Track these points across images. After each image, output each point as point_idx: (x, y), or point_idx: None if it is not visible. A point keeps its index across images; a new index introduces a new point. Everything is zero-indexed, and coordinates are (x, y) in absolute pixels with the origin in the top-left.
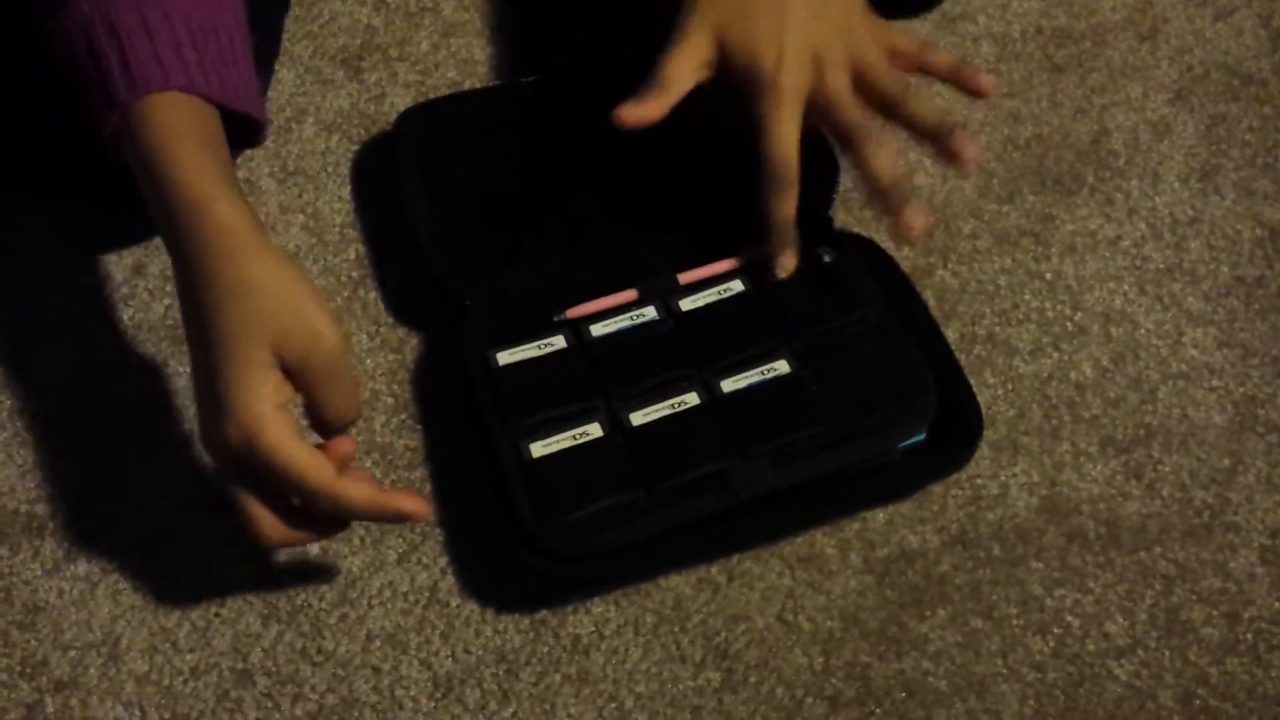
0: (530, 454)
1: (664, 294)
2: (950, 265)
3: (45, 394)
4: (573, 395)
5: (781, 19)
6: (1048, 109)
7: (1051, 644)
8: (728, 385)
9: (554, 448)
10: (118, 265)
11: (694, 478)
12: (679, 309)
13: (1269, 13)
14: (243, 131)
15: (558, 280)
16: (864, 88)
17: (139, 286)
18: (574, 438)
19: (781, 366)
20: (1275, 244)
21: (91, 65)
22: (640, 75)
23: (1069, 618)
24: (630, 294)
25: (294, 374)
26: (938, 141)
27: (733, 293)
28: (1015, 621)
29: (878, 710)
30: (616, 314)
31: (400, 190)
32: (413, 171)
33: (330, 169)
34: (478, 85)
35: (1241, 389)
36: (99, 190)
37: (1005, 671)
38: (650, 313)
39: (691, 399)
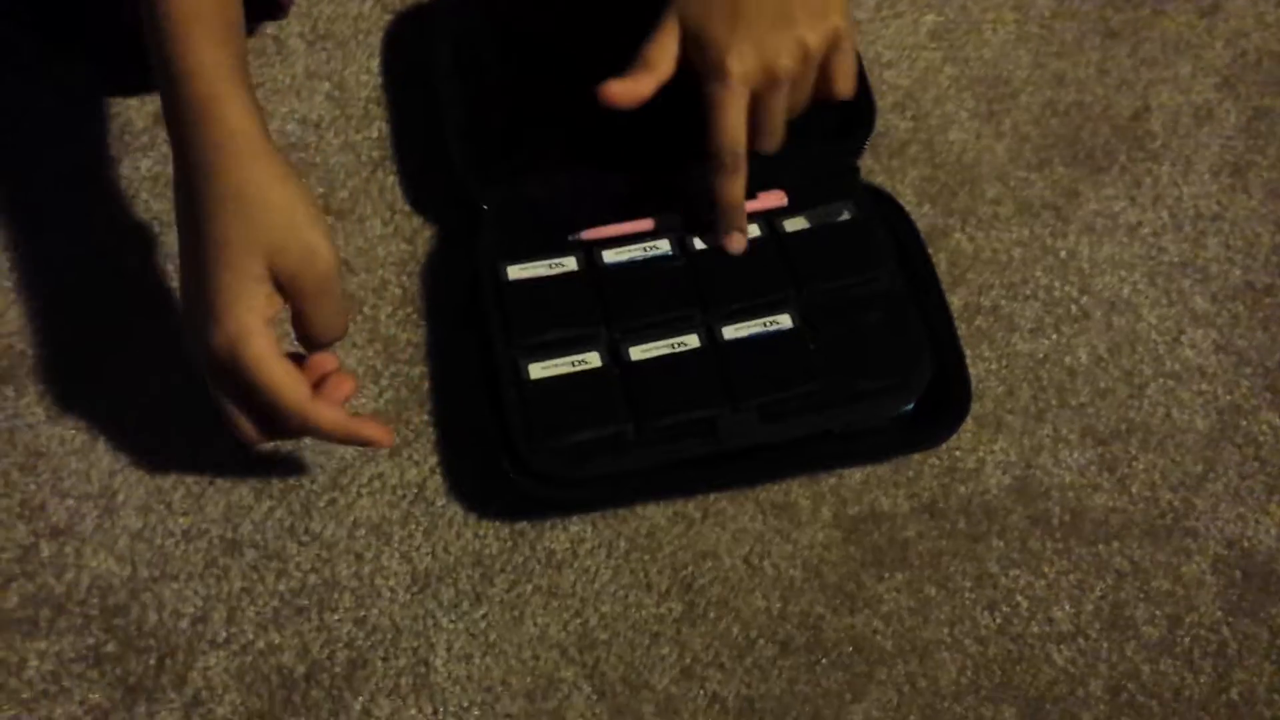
0: (529, 375)
1: (680, 228)
2: (968, 229)
3: (60, 242)
4: (577, 320)
5: (735, 9)
6: (1094, 76)
7: (998, 621)
8: (729, 332)
9: (552, 371)
10: (139, 113)
11: (683, 420)
12: (692, 246)
13: None
14: (265, 3)
15: (579, 197)
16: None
17: (159, 137)
18: (572, 364)
19: (785, 320)
20: None
21: None
22: None
23: (1019, 598)
24: (647, 223)
25: (285, 287)
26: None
27: (749, 237)
28: (968, 595)
29: (824, 660)
30: (630, 242)
31: (431, 75)
32: (446, 60)
33: (361, 36)
34: None
35: (1229, 397)
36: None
37: (949, 640)
38: (664, 246)
39: (692, 341)
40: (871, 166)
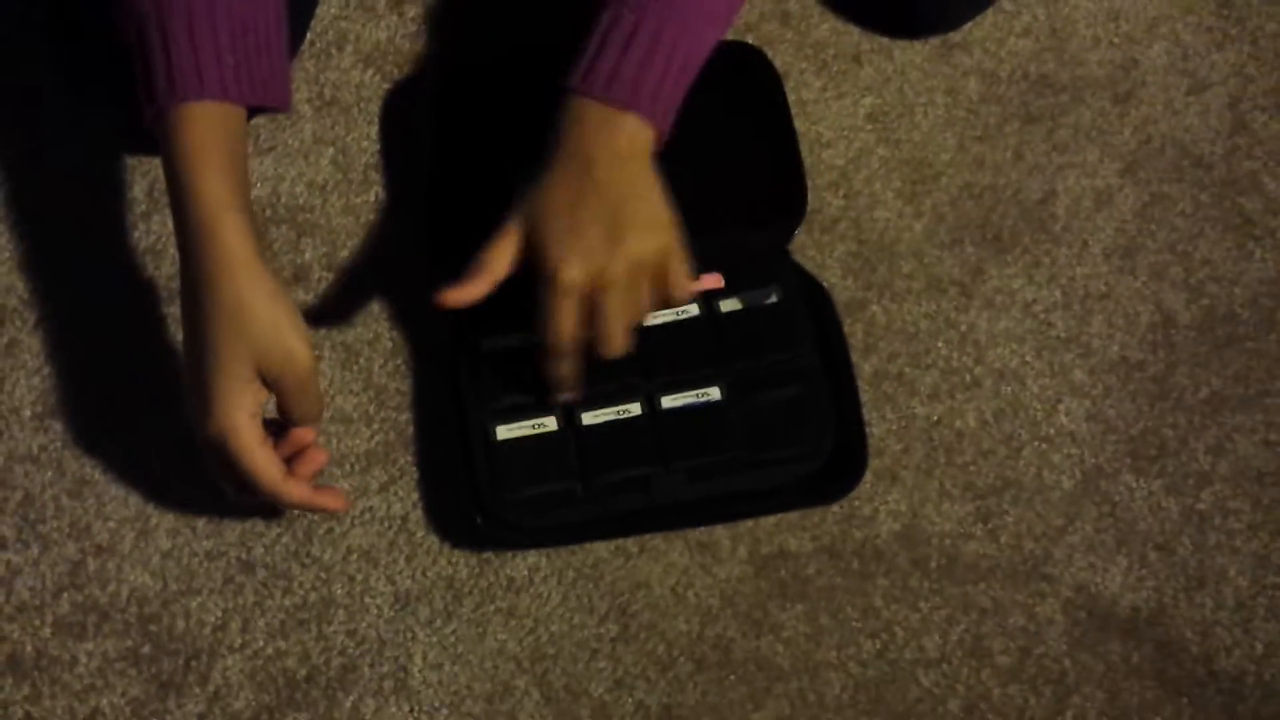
0: (495, 436)
1: None
2: (884, 301)
3: (99, 291)
4: (538, 387)
5: (571, 222)
6: (1010, 160)
7: (878, 647)
8: (667, 402)
9: (515, 434)
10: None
11: (624, 478)
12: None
13: (1240, 94)
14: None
15: None
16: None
17: None
18: (533, 427)
19: (714, 393)
20: (1165, 331)
21: (140, 58)
22: None
23: (896, 629)
24: None
25: (270, 384)
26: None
27: (687, 316)
28: (854, 624)
29: (732, 676)
30: None
31: (418, 152)
32: (431, 143)
33: (362, 104)
34: (507, 34)
35: (1094, 460)
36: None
37: (836, 662)
38: None
39: (635, 409)
40: (804, 241)
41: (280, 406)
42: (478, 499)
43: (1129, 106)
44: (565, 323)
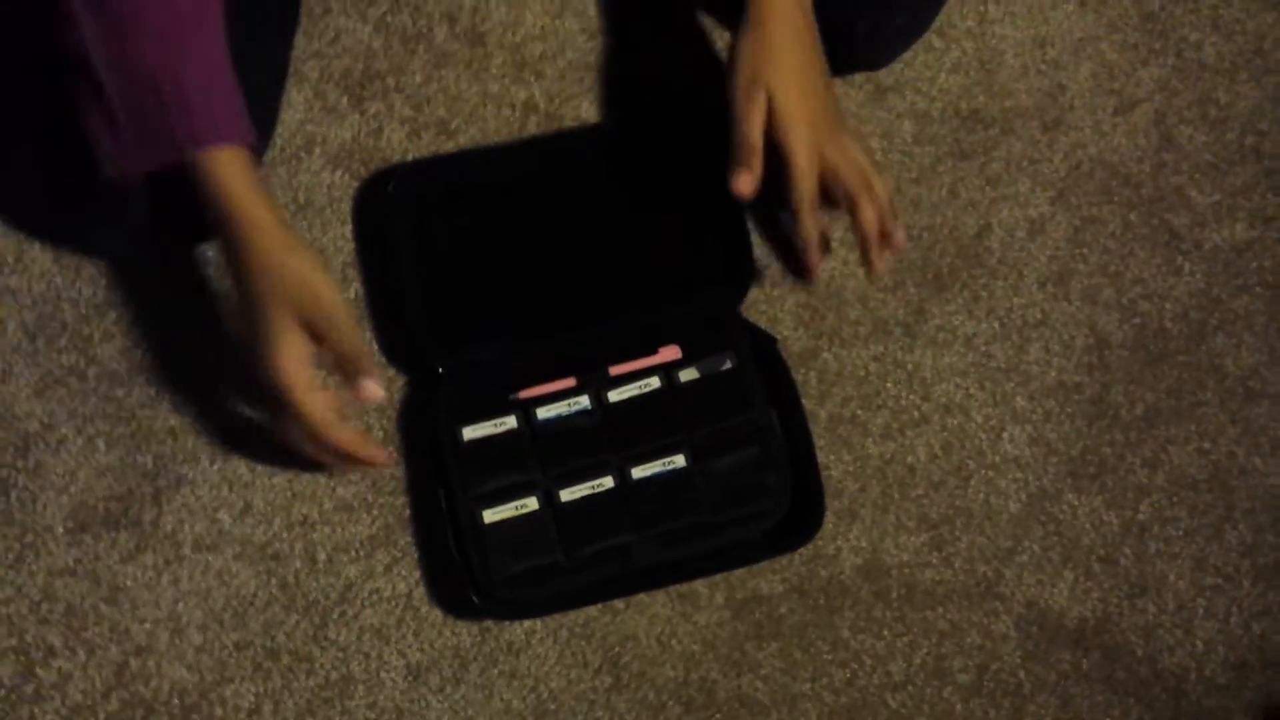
0: (483, 520)
1: (597, 384)
2: (834, 348)
3: (106, 404)
4: (519, 471)
5: (808, 88)
6: (945, 199)
7: (848, 675)
8: (636, 473)
9: (500, 516)
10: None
11: (603, 548)
12: (607, 400)
13: (1165, 110)
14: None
15: (516, 360)
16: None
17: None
18: (515, 509)
19: (679, 460)
20: (1100, 353)
21: (155, 108)
22: (614, 139)
23: (864, 657)
24: (570, 381)
25: (309, 328)
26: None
27: (650, 389)
28: (825, 656)
29: (717, 715)
30: (558, 399)
31: (388, 246)
32: (399, 239)
33: (334, 205)
34: (463, 124)
35: (1038, 483)
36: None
37: (811, 693)
38: (584, 401)
39: (608, 482)
40: (757, 296)
41: (325, 349)
42: (472, 580)
43: (1058, 133)
44: (813, 177)
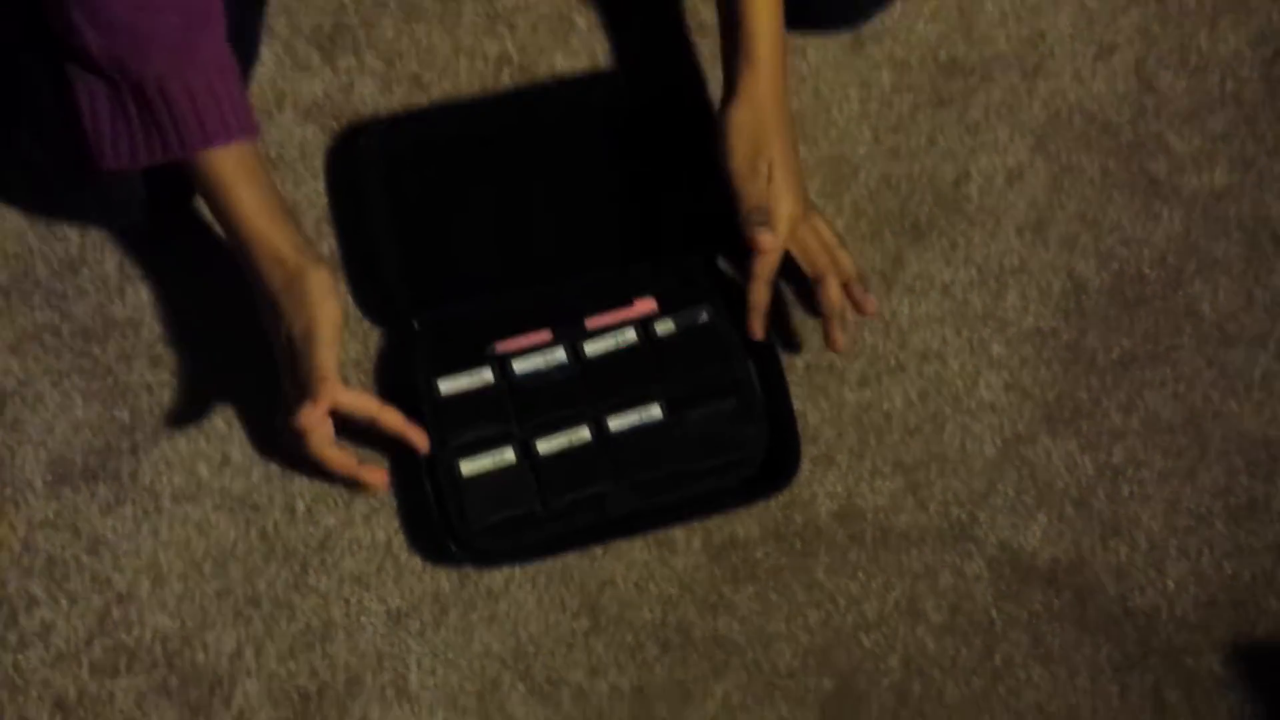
0: (461, 472)
1: (573, 337)
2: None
3: (83, 359)
4: (496, 423)
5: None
6: (924, 147)
7: (822, 616)
8: (613, 424)
9: (478, 467)
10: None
11: (580, 497)
12: (584, 353)
13: (1145, 56)
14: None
15: (492, 313)
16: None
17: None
18: (493, 460)
19: (655, 411)
20: (1076, 299)
21: (160, 110)
22: (595, 89)
23: (839, 598)
24: (546, 334)
25: None
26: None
27: (626, 342)
28: (800, 597)
29: (693, 655)
30: (534, 351)
31: (362, 201)
32: (372, 194)
33: (306, 160)
34: (436, 77)
35: (1013, 428)
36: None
37: (786, 633)
38: (560, 355)
39: (584, 433)
40: (732, 249)
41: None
42: (450, 530)
43: (1037, 80)
44: (780, 253)
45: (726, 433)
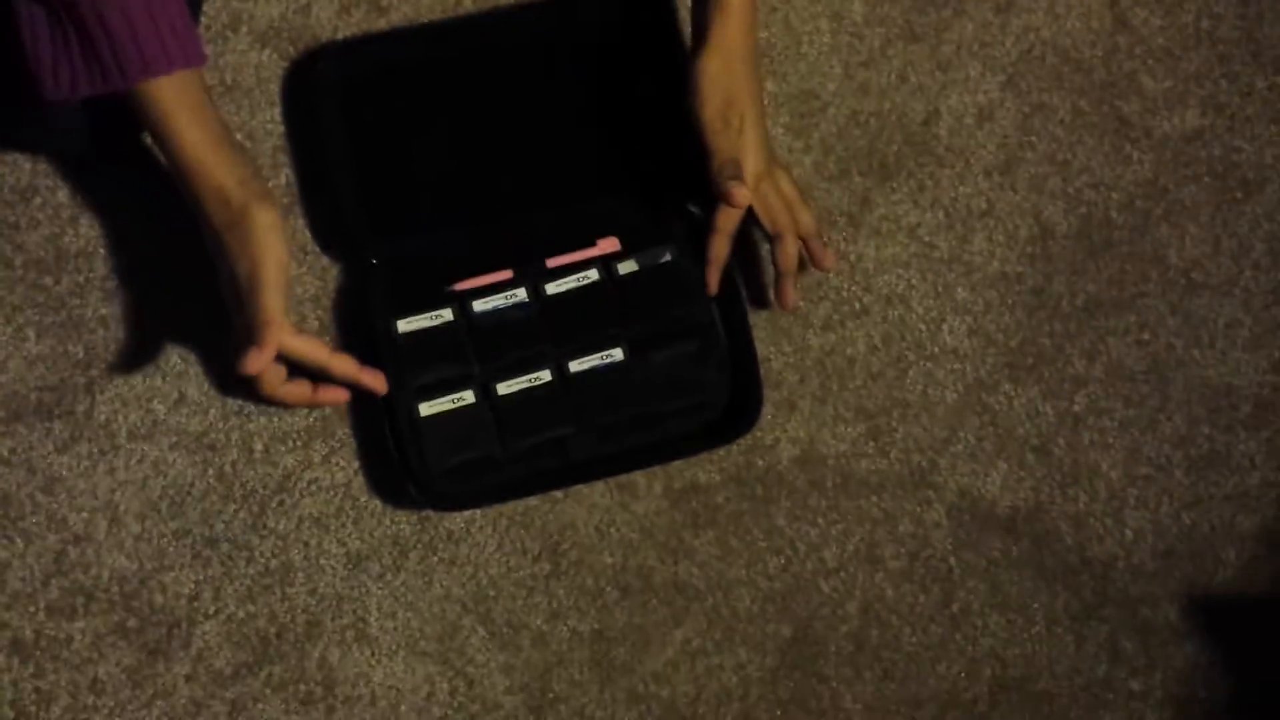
0: (419, 413)
1: (534, 276)
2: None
3: (37, 290)
4: (455, 364)
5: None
6: (894, 83)
7: (782, 562)
8: (574, 366)
9: (437, 409)
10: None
11: (540, 441)
12: (545, 293)
13: None
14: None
15: (452, 251)
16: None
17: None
18: (452, 402)
19: (617, 354)
20: (1043, 244)
21: (104, 42)
22: (563, 15)
23: (798, 544)
24: (507, 273)
25: None
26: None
27: (588, 282)
28: (760, 543)
29: (653, 600)
30: (495, 291)
31: (319, 130)
32: (329, 122)
33: (262, 86)
34: (396, 0)
35: (975, 374)
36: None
37: (745, 579)
38: (521, 294)
39: (545, 375)
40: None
41: None
42: (409, 473)
43: (1010, 15)
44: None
45: (689, 375)
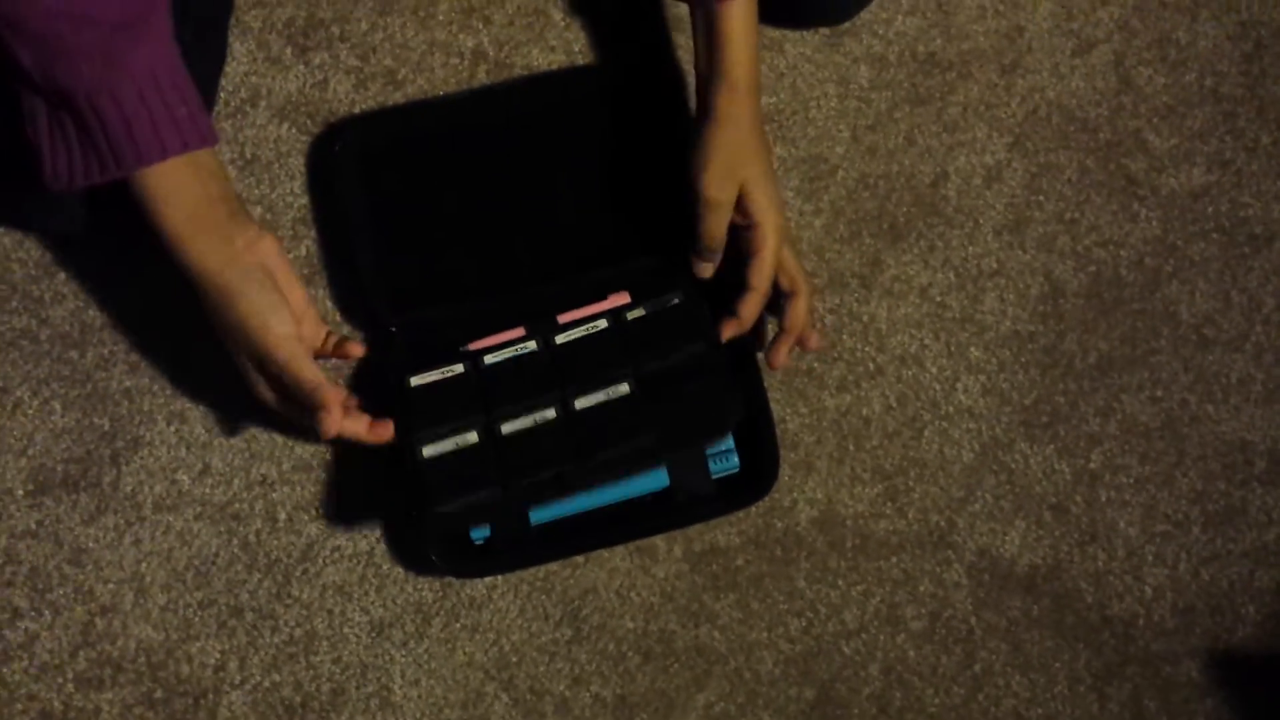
0: (421, 455)
1: (545, 331)
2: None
3: (61, 365)
4: (462, 409)
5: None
6: (902, 146)
7: (803, 624)
8: (580, 403)
9: (439, 450)
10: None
11: (541, 478)
12: (554, 343)
13: (1124, 51)
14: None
15: (469, 316)
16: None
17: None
18: (455, 443)
19: (623, 389)
20: (1054, 302)
21: (100, 131)
22: (565, 86)
23: (819, 606)
24: (519, 330)
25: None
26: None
27: (597, 329)
28: (781, 605)
29: (675, 664)
30: (507, 347)
31: (338, 203)
32: (348, 198)
33: (282, 160)
34: (411, 74)
35: (990, 433)
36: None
37: (767, 641)
38: (532, 345)
39: (550, 414)
40: None
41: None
42: (412, 518)
43: (1015, 77)
44: (773, 274)
45: (688, 412)
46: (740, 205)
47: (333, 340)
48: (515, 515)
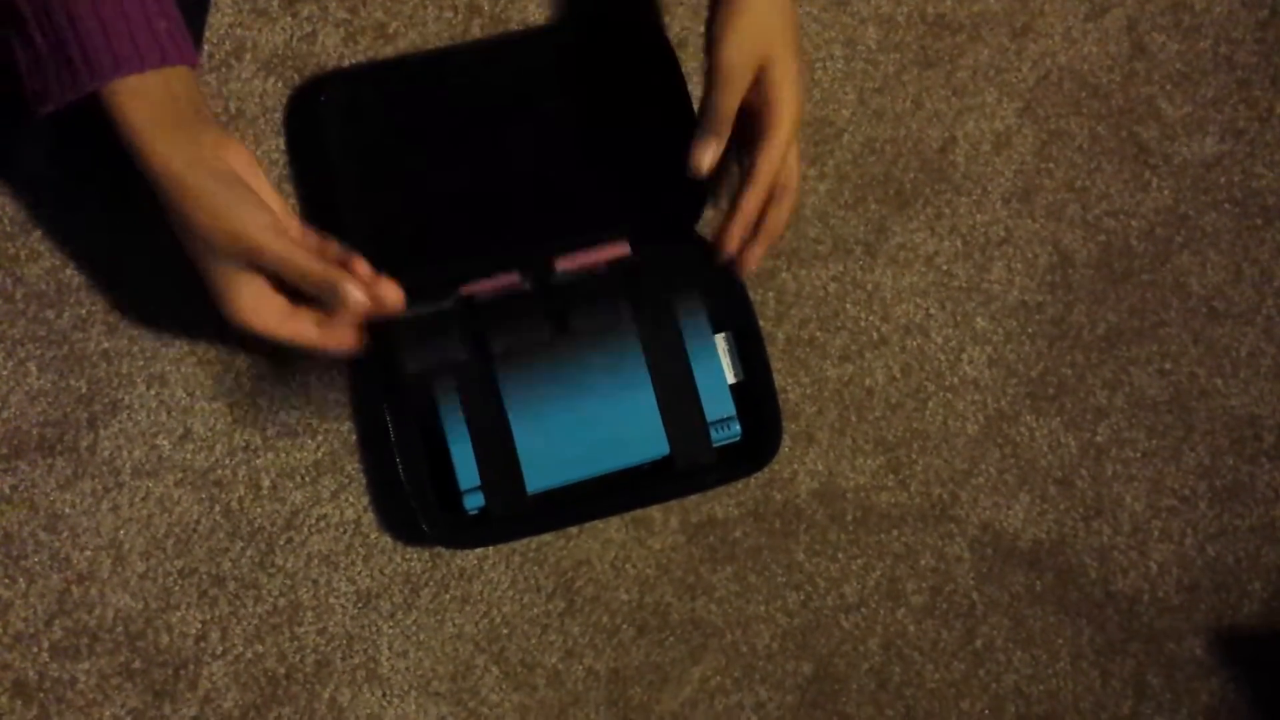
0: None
1: (541, 277)
2: (793, 268)
3: (39, 325)
4: (452, 332)
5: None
6: (909, 110)
7: (801, 598)
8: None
9: (415, 312)
10: None
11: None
12: (549, 281)
13: (1138, 16)
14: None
15: (460, 274)
16: None
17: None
18: (432, 308)
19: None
20: (1063, 271)
21: (74, 39)
22: (559, 41)
23: (818, 579)
24: (514, 277)
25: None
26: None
27: (595, 271)
28: (779, 579)
29: (671, 637)
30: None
31: (325, 162)
32: (334, 152)
33: (267, 115)
34: (402, 27)
35: (996, 405)
36: None
37: (765, 615)
38: (526, 285)
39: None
40: (713, 215)
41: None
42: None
43: (1027, 40)
44: (783, 158)
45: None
46: (757, 84)
47: (333, 248)
48: (485, 387)
